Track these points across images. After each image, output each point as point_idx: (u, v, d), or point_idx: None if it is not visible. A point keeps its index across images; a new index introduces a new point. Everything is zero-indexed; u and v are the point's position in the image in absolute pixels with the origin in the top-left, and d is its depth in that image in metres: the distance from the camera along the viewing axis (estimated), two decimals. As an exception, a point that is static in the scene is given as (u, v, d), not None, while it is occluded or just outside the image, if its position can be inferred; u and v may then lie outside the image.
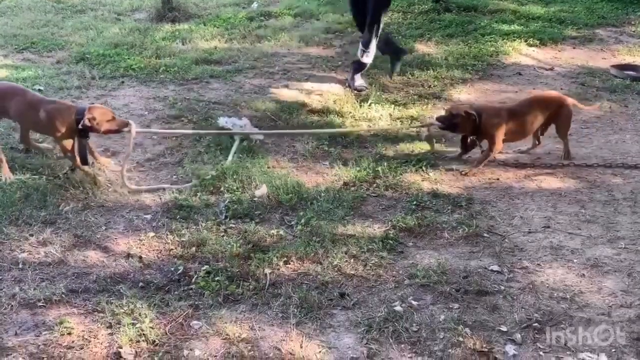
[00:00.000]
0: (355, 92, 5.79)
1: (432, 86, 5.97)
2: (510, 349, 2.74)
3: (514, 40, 7.20)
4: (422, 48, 6.97)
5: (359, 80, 5.89)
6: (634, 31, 7.82)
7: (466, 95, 5.84)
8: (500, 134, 4.34)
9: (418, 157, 4.51)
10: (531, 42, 7.18)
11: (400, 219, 3.71)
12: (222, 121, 4.94)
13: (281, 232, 3.59)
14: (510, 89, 5.99)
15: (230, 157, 4.39)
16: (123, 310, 2.91)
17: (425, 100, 5.64)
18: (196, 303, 3.00)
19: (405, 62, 6.39)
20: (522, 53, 6.94)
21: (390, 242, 3.50)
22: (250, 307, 2.99)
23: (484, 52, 6.85)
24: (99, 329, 2.82)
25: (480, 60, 6.60)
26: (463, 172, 4.33)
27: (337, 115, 5.26)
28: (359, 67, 5.88)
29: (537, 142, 4.66)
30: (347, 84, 5.90)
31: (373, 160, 4.45)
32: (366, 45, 5.74)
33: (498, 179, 4.28)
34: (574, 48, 7.19)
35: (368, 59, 5.80)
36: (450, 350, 2.72)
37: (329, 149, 4.69)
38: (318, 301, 3.01)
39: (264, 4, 8.84)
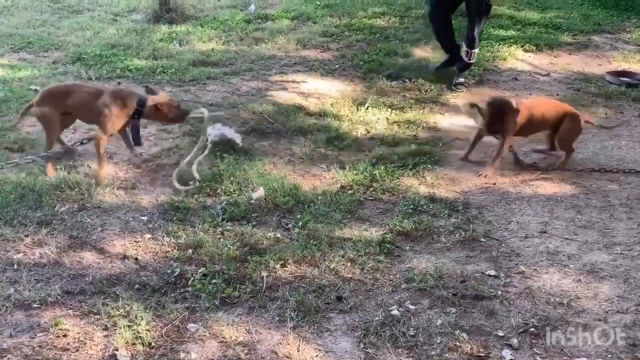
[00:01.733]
0: (454, 89, 5.98)
1: (428, 90, 5.98)
2: (507, 353, 2.73)
3: (510, 45, 7.22)
4: (419, 52, 6.97)
5: (461, 79, 6.07)
6: (629, 38, 7.86)
7: (462, 100, 5.84)
8: (512, 129, 4.37)
9: (415, 160, 4.52)
10: (527, 48, 7.20)
11: (397, 223, 3.71)
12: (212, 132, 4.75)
13: (278, 235, 3.58)
14: (507, 94, 6.00)
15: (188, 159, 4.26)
16: (119, 313, 2.89)
17: (422, 104, 5.65)
18: (192, 306, 2.99)
19: (403, 66, 6.43)
20: (518, 58, 6.97)
21: (387, 245, 3.50)
22: (247, 310, 2.99)
23: (480, 57, 6.84)
24: (95, 331, 2.80)
25: (477, 65, 6.60)
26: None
27: (335, 119, 5.26)
28: (464, 67, 6.07)
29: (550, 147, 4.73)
30: (453, 85, 6.03)
31: (370, 163, 4.46)
32: (471, 46, 5.91)
33: (495, 184, 4.29)
34: (569, 54, 7.22)
35: (473, 59, 6.01)
36: (447, 354, 2.72)
37: (326, 151, 4.69)
38: (315, 305, 3.00)
39: (262, 6, 8.83)
